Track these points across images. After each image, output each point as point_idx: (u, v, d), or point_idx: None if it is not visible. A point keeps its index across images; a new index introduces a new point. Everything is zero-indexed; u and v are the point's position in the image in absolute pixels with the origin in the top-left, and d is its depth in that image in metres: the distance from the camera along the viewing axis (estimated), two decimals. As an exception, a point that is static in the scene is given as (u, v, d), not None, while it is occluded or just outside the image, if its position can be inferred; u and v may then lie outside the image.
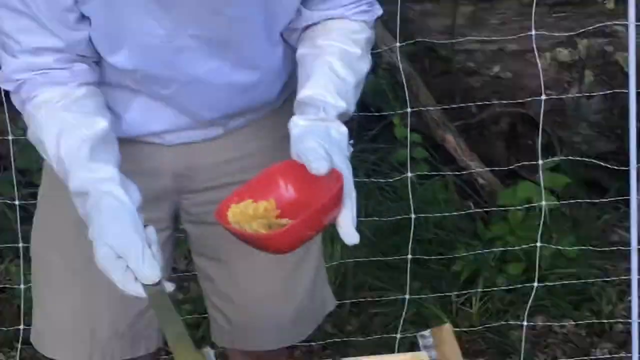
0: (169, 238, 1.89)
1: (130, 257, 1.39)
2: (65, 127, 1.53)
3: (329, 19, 1.66)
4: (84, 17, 1.56)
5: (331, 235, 3.39)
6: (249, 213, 1.48)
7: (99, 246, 1.42)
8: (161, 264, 1.45)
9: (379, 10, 1.71)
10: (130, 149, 1.68)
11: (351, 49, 1.64)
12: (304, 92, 1.58)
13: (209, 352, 1.53)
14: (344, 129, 1.54)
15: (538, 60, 3.21)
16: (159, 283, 1.44)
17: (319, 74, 1.59)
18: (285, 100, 1.80)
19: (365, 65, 1.66)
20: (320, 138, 1.48)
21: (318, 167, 1.40)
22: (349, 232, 1.40)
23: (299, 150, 1.47)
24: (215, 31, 1.61)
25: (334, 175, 1.43)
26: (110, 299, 1.75)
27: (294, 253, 1.59)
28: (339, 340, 3.20)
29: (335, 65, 1.60)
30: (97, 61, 1.63)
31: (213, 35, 1.62)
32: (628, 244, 3.03)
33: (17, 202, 2.99)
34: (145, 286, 1.42)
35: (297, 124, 1.54)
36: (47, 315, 1.90)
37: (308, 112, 1.55)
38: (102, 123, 1.54)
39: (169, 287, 1.44)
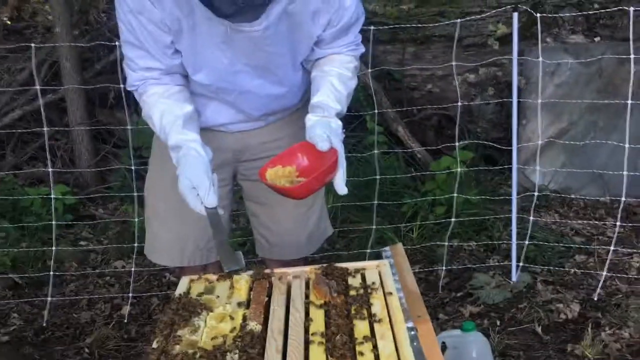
0: (230, 190, 2.18)
1: (200, 188, 1.70)
2: (166, 109, 1.83)
3: (332, 54, 1.94)
4: (177, 51, 1.83)
5: (328, 190, 4.08)
6: (279, 174, 1.81)
7: (182, 179, 1.73)
8: (218, 197, 1.73)
9: (362, 49, 2.00)
10: (208, 134, 1.95)
11: (345, 73, 1.92)
12: (315, 99, 1.87)
13: (239, 253, 1.79)
14: (339, 123, 1.84)
15: (456, 81, 3.78)
16: (215, 208, 1.73)
17: (324, 88, 1.88)
18: (303, 104, 2.04)
19: (353, 83, 1.96)
20: (324, 128, 1.77)
21: (322, 146, 1.72)
22: (341, 187, 1.76)
23: (310, 135, 1.78)
24: (259, 61, 1.85)
25: (332, 151, 1.75)
26: (194, 227, 2.05)
27: (307, 199, 1.96)
28: (331, 253, 3.67)
29: (334, 83, 1.88)
30: (186, 75, 1.90)
31: (258, 64, 1.86)
32: (510, 195, 3.59)
33: (133, 167, 3.49)
34: (206, 208, 1.72)
35: (310, 118, 1.83)
36: (154, 236, 2.18)
37: (317, 111, 1.84)
38: (189, 107, 1.86)
39: (220, 211, 1.75)
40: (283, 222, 2.17)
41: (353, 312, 1.60)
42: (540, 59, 3.55)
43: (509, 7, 4.51)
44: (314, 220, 2.21)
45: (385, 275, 1.77)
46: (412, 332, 1.52)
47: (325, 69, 1.92)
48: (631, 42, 3.22)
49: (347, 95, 1.92)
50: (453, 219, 3.61)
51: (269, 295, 1.71)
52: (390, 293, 1.67)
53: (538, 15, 3.45)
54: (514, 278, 3.38)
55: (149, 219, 2.19)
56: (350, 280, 1.76)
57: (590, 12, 4.64)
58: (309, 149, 1.82)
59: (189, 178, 1.71)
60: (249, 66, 1.85)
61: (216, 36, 1.77)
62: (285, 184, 1.78)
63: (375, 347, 1.45)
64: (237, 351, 1.44)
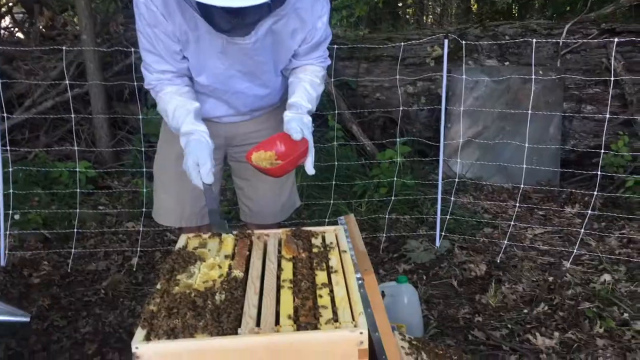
0: (221, 169, 2.17)
1: (203, 166, 1.69)
2: (179, 104, 1.81)
3: (306, 65, 1.93)
4: (185, 57, 1.82)
5: (298, 171, 4.16)
6: (262, 157, 1.80)
7: (189, 158, 1.71)
8: (214, 175, 1.73)
9: (329, 62, 1.99)
10: (206, 124, 1.89)
11: (315, 80, 1.91)
12: (291, 100, 1.87)
13: (225, 221, 1.80)
14: (310, 119, 1.86)
15: (399, 91, 4.03)
16: (210, 185, 1.73)
17: (299, 91, 1.87)
18: (281, 104, 2.03)
19: (321, 88, 1.95)
20: (298, 122, 1.79)
21: (296, 136, 1.75)
22: (310, 168, 1.77)
23: (287, 127, 1.79)
24: (249, 68, 1.84)
25: (304, 140, 1.77)
26: (190, 195, 2.04)
27: (282, 178, 1.95)
28: (298, 221, 3.65)
29: (307, 87, 1.88)
30: (192, 77, 1.88)
31: (247, 70, 1.85)
32: (436, 180, 3.60)
33: (142, 149, 3.50)
34: (204, 184, 1.72)
35: (287, 114, 1.84)
36: (159, 203, 2.17)
37: (293, 109, 1.85)
38: (196, 104, 1.84)
39: (214, 187, 1.81)
40: (262, 194, 2.17)
41: (315, 264, 1.60)
42: (464, 76, 3.61)
43: (441, 35, 4.58)
44: (287, 194, 2.21)
45: (340, 237, 1.78)
46: (360, 282, 1.52)
47: (300, 76, 1.91)
48: (533, 67, 3.27)
49: (316, 97, 1.92)
50: (393, 198, 3.68)
51: (250, 250, 1.70)
52: (345, 251, 1.67)
53: (464, 42, 3.52)
54: (437, 244, 3.44)
55: (156, 189, 2.17)
56: (314, 241, 1.77)
57: (502, 42, 4.73)
58: (285, 138, 1.81)
59: (196, 157, 1.70)
60: (241, 72, 1.84)
61: (215, 47, 1.76)
62: (267, 165, 1.77)
63: (331, 291, 1.46)
64: (223, 292, 1.44)
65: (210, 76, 1.85)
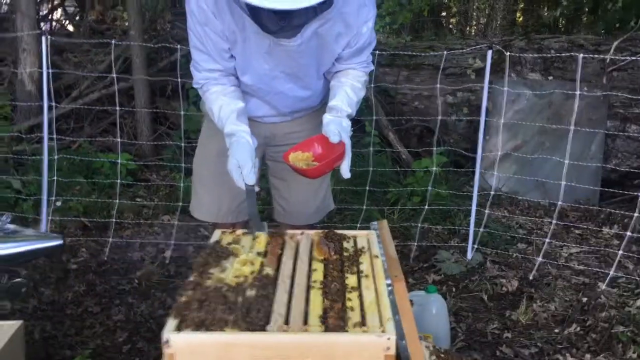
0: (259, 167, 1.95)
1: (244, 167, 1.71)
2: (224, 103, 1.84)
3: (348, 69, 1.93)
4: (232, 56, 1.84)
5: (333, 174, 4.10)
6: (299, 157, 1.81)
7: (231, 159, 1.74)
8: (257, 177, 1.75)
9: (372, 67, 1.97)
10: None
11: (356, 84, 1.91)
12: (331, 103, 1.86)
13: (265, 223, 1.82)
14: (349, 122, 1.85)
15: (438, 101, 3.86)
16: (252, 185, 1.74)
17: (340, 94, 1.87)
18: (321, 106, 2.05)
19: (362, 93, 1.94)
20: (337, 125, 1.78)
21: (334, 139, 1.74)
22: (345, 172, 1.76)
23: (325, 130, 1.79)
24: (292, 69, 1.86)
25: (341, 143, 1.76)
26: (229, 192, 2.04)
27: (317, 179, 2.00)
28: (330, 224, 3.47)
29: (348, 91, 1.88)
30: (238, 77, 1.90)
31: (291, 72, 1.86)
32: (471, 192, 3.53)
33: (182, 144, 3.56)
34: (246, 185, 1.73)
35: (327, 117, 1.83)
36: (197, 198, 2.18)
37: (332, 112, 1.85)
38: (241, 104, 1.86)
39: (257, 188, 1.77)
40: (297, 195, 2.18)
41: (345, 267, 1.61)
42: (506, 88, 3.55)
43: (484, 45, 4.52)
44: (321, 196, 2.21)
45: (372, 242, 1.78)
46: (389, 288, 1.52)
47: (342, 80, 1.92)
48: (578, 82, 3.20)
49: (356, 102, 1.92)
50: (426, 207, 3.62)
51: (282, 249, 1.72)
52: (376, 256, 1.67)
53: (507, 54, 3.45)
54: (469, 256, 3.39)
55: (195, 184, 2.19)
56: (345, 244, 1.77)
57: (546, 56, 4.64)
58: (323, 140, 1.81)
59: (237, 159, 1.72)
60: (284, 73, 1.86)
61: (261, 47, 1.78)
62: (303, 166, 1.78)
63: (360, 295, 1.47)
64: (254, 288, 1.46)
65: (254, 76, 1.87)
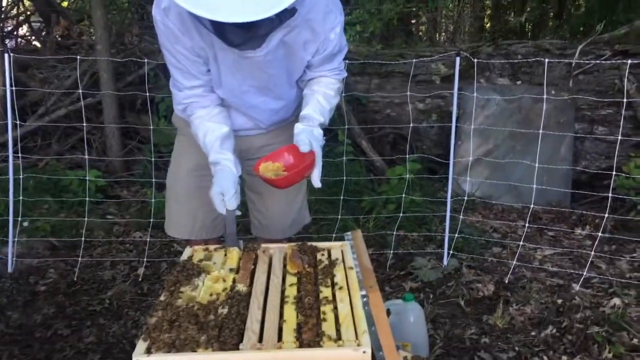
0: None
1: (226, 194, 1.73)
2: (208, 130, 1.84)
3: (320, 76, 1.91)
4: (209, 70, 1.83)
5: (307, 185, 4.21)
6: (269, 168, 1.80)
7: (214, 187, 1.75)
8: (238, 202, 1.76)
9: (344, 74, 1.97)
10: None
11: (329, 92, 1.90)
12: (303, 112, 1.86)
13: (241, 242, 1.80)
14: (321, 131, 1.85)
15: (409, 108, 3.98)
16: (234, 210, 1.77)
17: (312, 103, 1.86)
18: (295, 118, 1.97)
19: (335, 101, 1.93)
20: (308, 134, 1.77)
21: (303, 148, 1.73)
22: (316, 181, 1.77)
23: (296, 139, 1.78)
24: (262, 82, 1.84)
25: (311, 152, 1.75)
26: (202, 208, 2.04)
27: (292, 193, 2.04)
28: (305, 235, 3.26)
29: (320, 100, 1.86)
30: None
31: (260, 85, 1.85)
32: (445, 198, 3.53)
33: (152, 159, 3.58)
34: (227, 210, 1.75)
35: (298, 126, 1.83)
36: (171, 215, 2.15)
37: (304, 121, 1.84)
38: (225, 128, 1.85)
39: (237, 212, 1.79)
40: (272, 208, 2.16)
41: (320, 280, 1.60)
42: (475, 94, 3.60)
43: (452, 52, 4.55)
44: (297, 209, 2.19)
45: (346, 253, 1.77)
46: (364, 299, 1.51)
47: (314, 88, 1.90)
48: (545, 86, 3.26)
49: (329, 110, 1.91)
50: (401, 214, 3.63)
51: (255, 264, 1.69)
52: (351, 267, 1.66)
53: (475, 60, 3.50)
54: (445, 262, 3.40)
55: (168, 200, 2.16)
56: (319, 256, 1.76)
57: (514, 61, 4.72)
58: (294, 150, 1.80)
59: (220, 186, 1.73)
60: (254, 87, 1.85)
61: (228, 62, 1.77)
62: (272, 176, 1.76)
63: (335, 308, 1.45)
64: (227, 306, 1.44)
65: (226, 90, 1.86)
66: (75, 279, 3.25)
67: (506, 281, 3.18)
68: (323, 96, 1.88)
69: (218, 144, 1.81)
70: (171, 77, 1.87)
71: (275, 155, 1.84)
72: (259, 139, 2.06)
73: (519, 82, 4.87)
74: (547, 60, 3.27)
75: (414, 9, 7.46)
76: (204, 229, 2.10)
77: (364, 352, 1.25)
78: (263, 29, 1.61)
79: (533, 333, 2.67)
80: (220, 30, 1.60)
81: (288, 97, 1.96)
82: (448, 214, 3.43)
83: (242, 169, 2.07)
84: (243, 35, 1.60)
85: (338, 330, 1.35)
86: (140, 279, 3.26)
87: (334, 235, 3.56)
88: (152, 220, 3.48)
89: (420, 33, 10.11)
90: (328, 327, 1.36)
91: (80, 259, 3.36)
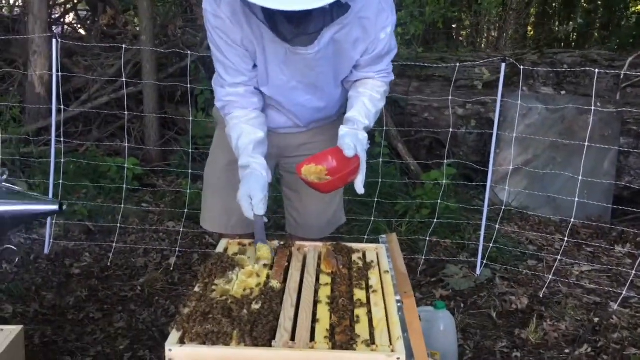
0: (271, 178, 1.95)
1: (254, 198, 1.70)
2: (243, 133, 1.81)
3: (367, 78, 1.88)
4: (256, 65, 1.81)
5: (346, 187, 4.19)
6: (311, 170, 1.77)
7: (242, 189, 1.72)
8: (266, 208, 1.71)
9: (392, 77, 1.93)
10: None
11: (375, 95, 1.86)
12: (348, 114, 1.82)
13: (274, 242, 1.77)
14: (366, 135, 1.80)
15: (450, 112, 3.92)
16: (261, 215, 1.72)
17: (357, 105, 1.83)
18: (338, 117, 2.00)
19: (381, 104, 1.90)
20: (353, 138, 1.73)
21: (349, 153, 1.70)
22: (360, 188, 1.73)
23: (341, 143, 1.74)
24: (310, 79, 1.81)
25: (356, 157, 1.71)
26: (238, 206, 2.00)
27: (331, 193, 1.94)
28: (336, 235, 3.03)
29: (365, 102, 1.83)
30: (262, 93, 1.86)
31: (309, 82, 1.82)
32: (481, 206, 3.53)
33: (190, 151, 3.57)
34: (255, 215, 1.71)
35: (343, 129, 1.79)
36: (207, 208, 2.13)
37: (349, 124, 1.81)
38: (261, 134, 1.82)
39: (265, 219, 1.73)
40: (309, 207, 2.13)
41: (354, 282, 1.57)
42: (519, 102, 3.51)
43: (497, 58, 4.49)
44: (333, 209, 2.16)
45: (382, 256, 1.74)
46: (399, 304, 1.49)
47: (360, 90, 1.87)
48: (593, 97, 3.16)
49: (375, 113, 1.87)
50: (435, 220, 3.57)
51: (289, 261, 1.68)
52: (386, 271, 1.63)
53: (521, 67, 3.43)
54: (478, 272, 3.34)
55: (205, 194, 2.15)
56: (354, 257, 1.73)
57: (560, 70, 4.61)
58: (338, 153, 1.75)
59: (248, 189, 1.70)
60: (302, 84, 1.83)
61: (278, 57, 1.75)
62: (315, 180, 1.73)
63: (369, 311, 1.43)
64: (260, 301, 1.43)
65: (272, 88, 1.84)
66: (108, 264, 3.30)
67: (541, 295, 3.11)
68: (369, 99, 1.85)
69: (251, 147, 1.78)
70: (215, 74, 1.85)
71: (319, 158, 1.79)
72: (299, 137, 2.03)
73: (563, 92, 4.75)
74: (596, 70, 3.15)
75: (456, 14, 7.35)
76: (239, 224, 2.06)
77: (398, 358, 1.22)
78: (316, 25, 1.58)
79: (567, 350, 2.59)
80: (273, 21, 1.58)
81: (333, 97, 1.93)
82: (484, 222, 3.37)
83: (280, 165, 2.11)
84: (295, 30, 1.57)
85: (372, 334, 1.32)
86: (171, 268, 3.29)
87: (365, 237, 3.53)
88: (186, 210, 3.51)
89: (461, 38, 9.97)
90: (362, 330, 1.33)
91: (114, 244, 3.41)
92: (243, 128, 1.81)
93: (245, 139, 1.79)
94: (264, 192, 1.71)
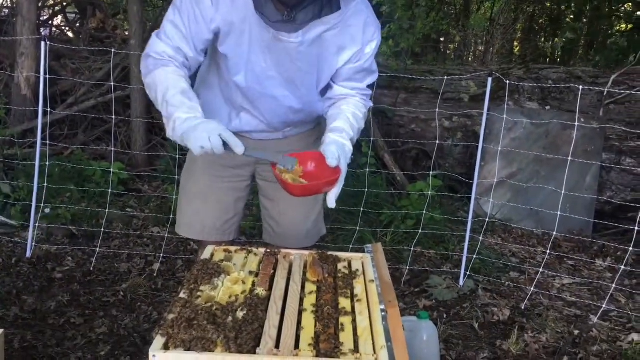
0: (248, 185, 2.08)
1: (229, 139, 1.58)
2: (170, 84, 1.66)
3: (348, 96, 1.85)
4: (205, 54, 1.76)
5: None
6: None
7: (201, 134, 1.54)
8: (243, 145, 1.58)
9: (371, 104, 1.93)
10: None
11: (358, 113, 1.84)
12: (335, 124, 1.78)
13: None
14: (351, 148, 1.76)
15: (437, 124, 3.99)
16: (244, 149, 1.59)
17: (342, 118, 1.80)
18: (315, 127, 1.99)
19: (362, 123, 1.87)
20: (339, 147, 1.69)
21: (331, 162, 1.64)
22: (332, 201, 1.66)
23: (325, 149, 1.67)
24: (289, 73, 1.77)
25: (337, 169, 1.64)
26: (214, 209, 2.00)
27: (309, 203, 1.95)
28: (321, 244, 3.05)
29: (349, 117, 1.80)
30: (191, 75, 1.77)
31: (288, 76, 1.78)
32: (466, 218, 3.59)
33: (177, 156, 3.54)
34: (245, 154, 1.59)
35: (329, 137, 1.73)
36: (182, 214, 2.08)
37: (335, 132, 1.75)
38: (186, 85, 1.67)
39: (252, 153, 1.66)
40: (287, 216, 2.07)
41: (339, 291, 1.57)
42: (505, 116, 3.56)
43: (484, 72, 4.55)
44: (312, 220, 2.10)
45: (367, 265, 1.74)
46: (383, 314, 1.49)
47: (342, 108, 1.84)
48: (577, 113, 3.22)
49: (358, 130, 1.84)
50: (420, 231, 3.58)
51: (275, 269, 1.67)
52: (372, 280, 1.63)
53: (507, 82, 3.48)
54: (461, 283, 3.36)
55: (181, 200, 2.10)
56: (339, 266, 1.72)
57: (545, 86, 4.69)
58: (319, 159, 1.68)
59: (219, 132, 1.57)
60: (281, 76, 1.79)
61: (262, 41, 1.71)
62: (288, 180, 1.63)
63: (354, 320, 1.43)
64: (245, 309, 1.42)
65: (249, 74, 1.77)
66: (91, 269, 3.28)
67: (522, 307, 3.14)
68: (352, 115, 1.82)
69: (188, 97, 1.64)
70: (161, 29, 1.74)
71: (299, 157, 1.70)
72: (275, 145, 1.97)
73: (547, 108, 4.82)
74: (581, 87, 3.21)
75: (445, 26, 7.45)
76: (214, 230, 2.04)
77: (382, 367, 1.22)
78: (304, 15, 1.59)
79: (547, 362, 2.61)
80: (262, 4, 1.58)
81: (310, 102, 1.88)
82: (468, 234, 3.39)
83: (256, 173, 2.06)
84: (284, 17, 1.57)
85: (356, 343, 1.32)
86: (155, 274, 3.27)
87: (350, 246, 3.53)
88: (171, 216, 3.48)
89: (449, 51, 10.08)
90: (346, 339, 1.33)
91: (97, 249, 3.39)
92: (172, 79, 1.68)
93: (174, 89, 1.65)
94: (226, 128, 1.60)
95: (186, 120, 1.59)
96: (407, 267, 3.46)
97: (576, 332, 2.89)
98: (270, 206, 2.10)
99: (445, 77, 3.68)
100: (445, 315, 3.04)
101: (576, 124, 3.20)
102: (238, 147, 1.59)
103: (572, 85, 3.91)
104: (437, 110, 3.70)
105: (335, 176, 1.63)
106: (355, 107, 1.84)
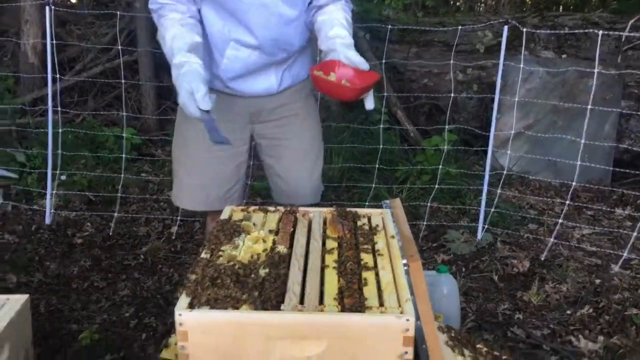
0: (248, 148, 2.05)
1: (197, 92, 1.58)
2: (178, 34, 1.71)
3: (330, 4, 1.84)
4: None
5: (338, 152, 4.10)
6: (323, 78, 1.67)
7: (182, 90, 1.60)
8: (213, 104, 1.59)
9: (352, 6, 1.91)
10: (228, 99, 1.87)
11: (349, 18, 1.85)
12: (333, 32, 1.76)
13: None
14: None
15: (452, 77, 3.84)
16: (208, 112, 1.60)
17: (336, 25, 1.78)
18: (306, 78, 1.96)
19: (351, 30, 1.84)
20: (355, 52, 1.70)
21: (365, 66, 1.66)
22: (371, 103, 1.69)
23: (347, 55, 1.67)
24: None
25: (373, 72, 1.66)
26: (216, 177, 1.98)
27: (311, 155, 1.97)
28: (337, 203, 3.51)
29: (342, 22, 1.80)
30: (200, 19, 1.79)
31: None
32: (482, 171, 3.56)
33: None
34: (201, 111, 1.59)
35: (336, 42, 1.72)
36: (181, 186, 2.05)
37: (338, 39, 1.74)
38: (197, 38, 1.73)
39: (214, 117, 1.62)
40: (292, 171, 2.06)
41: (360, 246, 1.56)
42: (522, 65, 3.46)
43: (499, 21, 4.43)
44: (317, 175, 2.10)
45: (387, 221, 1.73)
46: (405, 268, 1.48)
47: (333, 15, 1.81)
48: (597, 60, 3.11)
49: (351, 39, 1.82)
50: (436, 186, 3.56)
51: (294, 227, 1.67)
52: (393, 236, 1.62)
53: (524, 30, 3.37)
54: (479, 236, 3.34)
55: (177, 171, 2.06)
56: (359, 222, 1.72)
57: (562, 33, 4.55)
58: (344, 64, 1.68)
59: (189, 87, 1.59)
60: None
61: None
62: (344, 83, 1.65)
63: (377, 275, 1.43)
64: (267, 267, 1.42)
65: None
66: (110, 233, 3.31)
67: (542, 258, 3.12)
68: (346, 20, 1.81)
69: (186, 48, 1.67)
70: None
71: (325, 67, 1.67)
72: (270, 100, 1.94)
73: (564, 56, 4.70)
74: (600, 32, 3.09)
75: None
76: (218, 199, 2.01)
77: (407, 319, 1.22)
78: None
79: (569, 312, 2.62)
80: None
81: (300, 10, 1.82)
82: (485, 187, 3.35)
83: (254, 133, 2.02)
84: None
85: (380, 297, 1.32)
86: (173, 237, 3.30)
87: (366, 203, 3.52)
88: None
89: (459, 2, 9.81)
90: (370, 293, 1.33)
91: (115, 214, 3.41)
92: (179, 29, 1.71)
93: (180, 40, 1.69)
94: (205, 86, 1.60)
95: (174, 66, 1.65)
96: (425, 223, 3.45)
97: (597, 281, 2.88)
98: (274, 163, 2.07)
99: (460, 28, 3.56)
100: (464, 269, 3.04)
101: (595, 70, 3.10)
102: (193, 110, 1.59)
103: (591, 30, 3.77)
104: (452, 62, 3.60)
105: (375, 78, 1.65)
106: (345, 12, 1.83)
